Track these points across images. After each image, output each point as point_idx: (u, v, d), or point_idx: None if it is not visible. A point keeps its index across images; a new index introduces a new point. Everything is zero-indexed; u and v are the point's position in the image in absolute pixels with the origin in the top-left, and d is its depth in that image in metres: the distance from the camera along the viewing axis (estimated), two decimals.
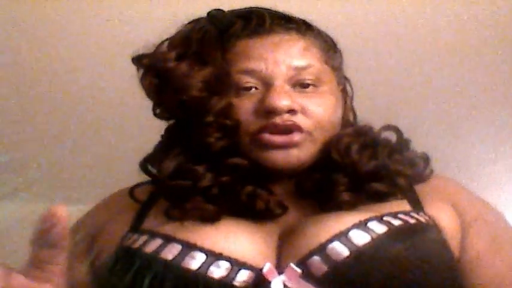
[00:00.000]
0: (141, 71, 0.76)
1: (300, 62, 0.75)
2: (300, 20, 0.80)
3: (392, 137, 0.78)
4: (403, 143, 0.78)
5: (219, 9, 0.79)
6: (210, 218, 0.69)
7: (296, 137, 0.72)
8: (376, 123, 0.79)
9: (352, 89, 0.85)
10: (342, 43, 0.84)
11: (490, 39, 1.52)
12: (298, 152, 0.73)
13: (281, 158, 0.72)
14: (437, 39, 1.54)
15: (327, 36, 0.82)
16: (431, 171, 0.78)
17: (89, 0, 1.46)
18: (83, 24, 1.48)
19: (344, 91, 0.83)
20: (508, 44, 1.54)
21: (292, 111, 0.72)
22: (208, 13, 0.79)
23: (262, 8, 0.80)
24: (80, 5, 1.45)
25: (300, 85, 0.74)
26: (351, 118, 0.84)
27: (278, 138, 0.72)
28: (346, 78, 0.84)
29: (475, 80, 1.60)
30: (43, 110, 1.63)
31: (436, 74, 1.60)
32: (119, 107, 1.32)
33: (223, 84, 0.73)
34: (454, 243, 0.71)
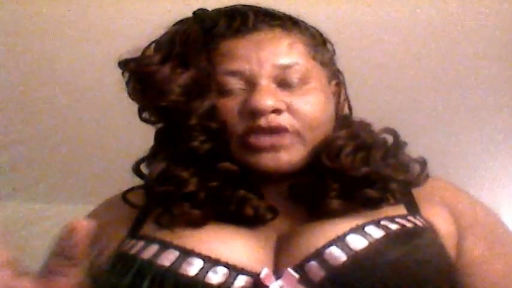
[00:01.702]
0: (126, 75, 0.74)
1: (285, 60, 0.72)
2: (286, 15, 0.78)
3: (388, 139, 0.76)
4: (398, 146, 0.75)
5: (204, 9, 0.77)
6: (196, 223, 0.68)
7: (284, 138, 0.70)
8: (373, 123, 0.77)
9: (344, 82, 0.82)
10: (339, 43, 0.82)
11: (488, 40, 1.51)
12: (288, 155, 0.71)
13: (270, 161, 0.70)
14: (435, 41, 1.52)
15: (315, 31, 0.80)
16: (427, 176, 0.76)
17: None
18: (84, 25, 1.47)
19: (338, 85, 0.81)
20: (506, 45, 1.52)
21: (277, 111, 0.70)
22: (194, 13, 0.77)
23: (246, 5, 0.78)
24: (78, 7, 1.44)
25: (287, 83, 0.72)
26: (347, 111, 0.82)
27: (265, 141, 0.70)
28: (339, 71, 0.82)
29: (473, 80, 1.59)
30: (43, 111, 1.63)
31: (434, 74, 1.59)
32: (119, 107, 1.32)
33: (206, 86, 0.72)
34: (450, 247, 0.70)
